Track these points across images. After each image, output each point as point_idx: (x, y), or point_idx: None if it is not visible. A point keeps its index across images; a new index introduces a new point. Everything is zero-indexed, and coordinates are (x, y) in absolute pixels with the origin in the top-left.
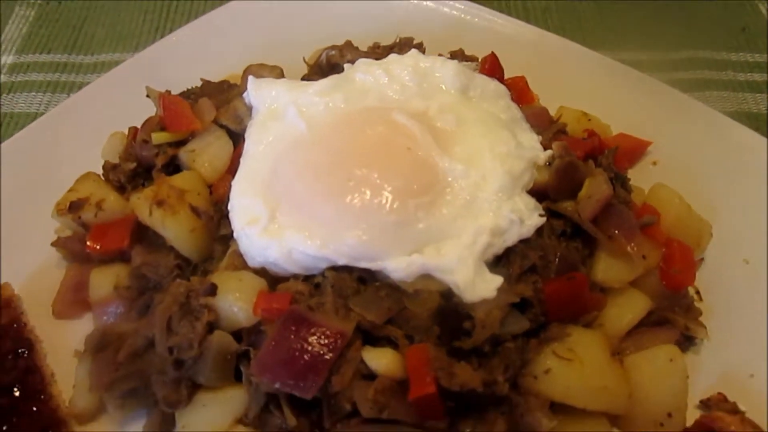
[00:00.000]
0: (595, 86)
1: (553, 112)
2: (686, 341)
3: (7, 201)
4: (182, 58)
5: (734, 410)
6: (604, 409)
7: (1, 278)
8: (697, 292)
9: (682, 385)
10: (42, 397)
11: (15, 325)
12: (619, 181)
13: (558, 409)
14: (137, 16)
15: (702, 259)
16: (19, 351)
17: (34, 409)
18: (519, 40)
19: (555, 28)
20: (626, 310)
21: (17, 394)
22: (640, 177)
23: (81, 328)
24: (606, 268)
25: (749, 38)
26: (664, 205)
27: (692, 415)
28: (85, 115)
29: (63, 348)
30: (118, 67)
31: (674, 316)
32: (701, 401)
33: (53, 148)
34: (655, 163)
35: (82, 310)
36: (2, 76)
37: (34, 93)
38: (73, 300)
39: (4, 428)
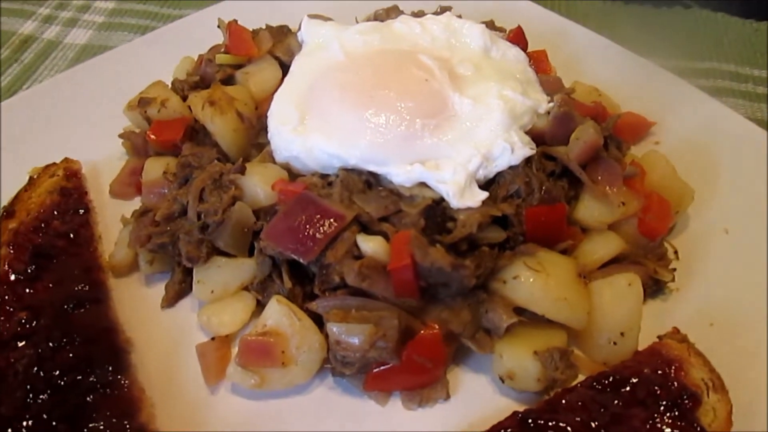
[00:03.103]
0: (611, 71)
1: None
2: (656, 289)
3: (87, 104)
4: (248, 13)
5: (683, 340)
6: (563, 320)
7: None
8: (675, 252)
9: (636, 308)
10: (89, 248)
11: (78, 191)
12: (614, 142)
13: (525, 319)
14: None
15: (677, 212)
16: (79, 210)
17: (82, 254)
18: (549, 27)
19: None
20: (600, 246)
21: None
22: (642, 154)
23: (129, 209)
24: (587, 208)
25: None
26: (651, 164)
27: None
28: (162, 47)
29: (111, 222)
30: (192, 15)
31: (645, 260)
32: (658, 336)
33: (130, 69)
34: (657, 143)
35: (134, 193)
36: (102, 17)
37: (126, 33)
38: (129, 182)
39: (54, 261)
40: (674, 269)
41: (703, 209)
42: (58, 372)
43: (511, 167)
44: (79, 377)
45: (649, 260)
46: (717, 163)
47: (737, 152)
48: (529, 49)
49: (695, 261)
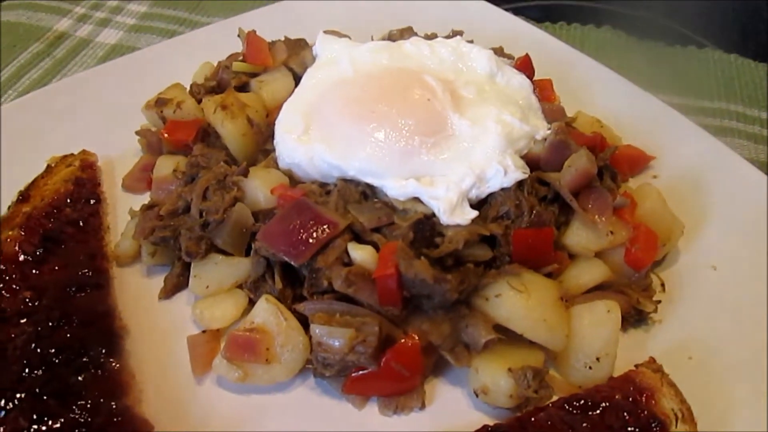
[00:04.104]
0: (617, 104)
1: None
2: (638, 319)
3: (109, 100)
4: (268, 26)
5: (658, 369)
6: (541, 341)
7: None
8: (662, 284)
9: (613, 335)
10: (96, 237)
11: (92, 181)
12: (609, 173)
13: (505, 337)
14: None
15: (665, 245)
16: (90, 200)
17: (89, 241)
18: (560, 57)
19: (603, 63)
20: (585, 272)
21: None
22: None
23: (139, 203)
24: (575, 234)
25: None
26: (643, 196)
27: None
28: (185, 52)
29: (122, 213)
30: (217, 23)
31: (629, 290)
32: (635, 365)
33: (153, 71)
34: (655, 177)
35: (145, 187)
36: (134, 19)
37: (154, 36)
38: (140, 177)
39: (62, 246)
40: (659, 301)
41: (694, 245)
42: (53, 350)
43: (503, 189)
44: (73, 357)
45: (634, 290)
46: (712, 201)
47: (733, 192)
48: (536, 77)
49: (681, 294)
